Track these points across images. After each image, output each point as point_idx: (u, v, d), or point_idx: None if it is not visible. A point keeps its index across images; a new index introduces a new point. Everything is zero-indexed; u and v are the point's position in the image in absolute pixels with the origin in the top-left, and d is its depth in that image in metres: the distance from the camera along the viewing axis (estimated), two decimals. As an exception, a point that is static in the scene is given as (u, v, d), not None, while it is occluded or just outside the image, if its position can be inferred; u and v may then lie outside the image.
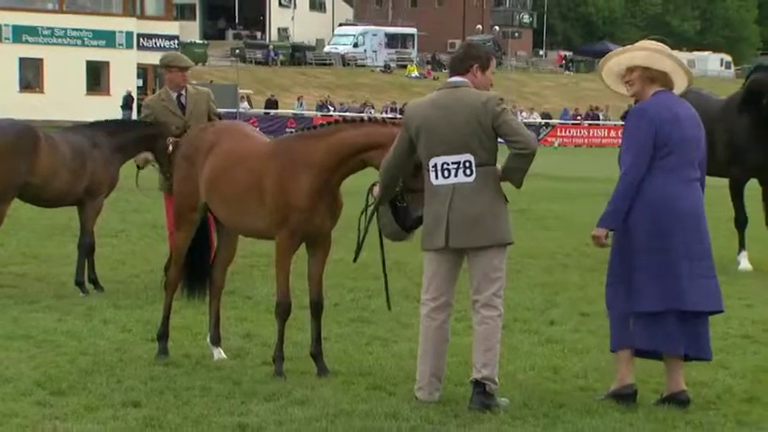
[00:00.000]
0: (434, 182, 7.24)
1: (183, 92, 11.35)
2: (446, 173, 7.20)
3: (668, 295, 7.23)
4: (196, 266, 8.92)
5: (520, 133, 7.20)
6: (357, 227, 7.84)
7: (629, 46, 7.63)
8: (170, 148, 11.32)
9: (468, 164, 7.17)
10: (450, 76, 7.44)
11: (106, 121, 12.14)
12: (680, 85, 7.43)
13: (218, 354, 8.58)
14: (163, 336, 8.71)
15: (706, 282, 7.34)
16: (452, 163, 7.19)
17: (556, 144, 62.71)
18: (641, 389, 7.63)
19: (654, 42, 7.58)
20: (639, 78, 7.35)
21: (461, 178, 7.18)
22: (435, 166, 7.23)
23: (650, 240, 7.23)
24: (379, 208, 7.68)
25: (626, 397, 7.34)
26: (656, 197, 7.22)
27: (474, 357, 7.27)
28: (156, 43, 61.15)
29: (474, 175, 7.17)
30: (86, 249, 11.71)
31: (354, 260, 8.07)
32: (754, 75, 14.12)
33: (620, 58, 7.50)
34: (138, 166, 11.78)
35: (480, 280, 7.27)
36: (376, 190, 7.69)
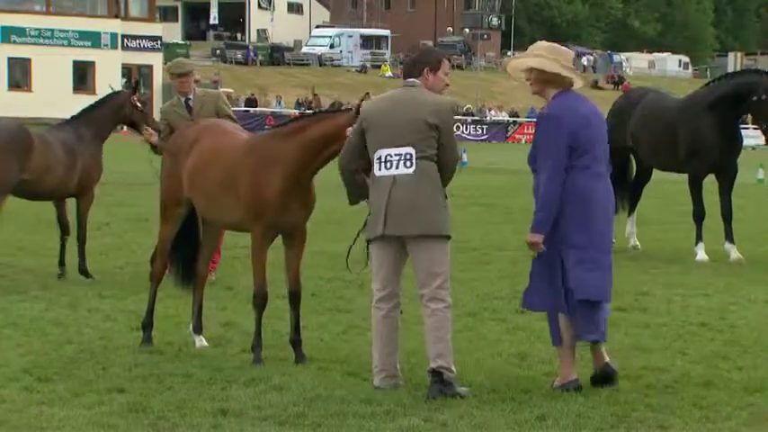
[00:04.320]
0: (377, 173, 7.41)
1: (191, 95, 11.59)
2: (388, 164, 7.37)
3: (593, 287, 7.50)
4: (186, 258, 9.08)
5: (452, 151, 7.42)
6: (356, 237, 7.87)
7: (528, 51, 7.90)
8: (138, 105, 12.08)
9: (408, 156, 7.35)
10: (405, 78, 7.62)
11: (79, 112, 12.38)
12: (578, 84, 7.70)
13: (200, 341, 8.76)
14: (147, 325, 8.87)
15: (610, 271, 7.64)
16: (395, 155, 7.36)
17: (523, 141, 63.11)
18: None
19: (548, 46, 7.79)
20: (536, 80, 7.65)
21: (402, 170, 7.35)
22: (380, 158, 7.40)
23: (575, 234, 7.49)
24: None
25: (574, 390, 7.51)
26: (575, 193, 7.46)
27: (427, 349, 7.42)
28: (139, 44, 61.66)
29: (414, 167, 7.34)
30: (82, 239, 12.03)
31: (348, 268, 7.99)
32: (747, 77, 14.28)
33: (517, 63, 7.86)
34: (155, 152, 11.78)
35: (424, 275, 7.42)
36: None
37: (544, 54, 7.65)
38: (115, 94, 12.52)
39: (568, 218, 7.48)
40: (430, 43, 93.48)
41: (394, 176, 7.37)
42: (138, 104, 12.28)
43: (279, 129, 8.43)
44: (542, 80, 7.63)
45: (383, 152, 7.40)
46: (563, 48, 7.85)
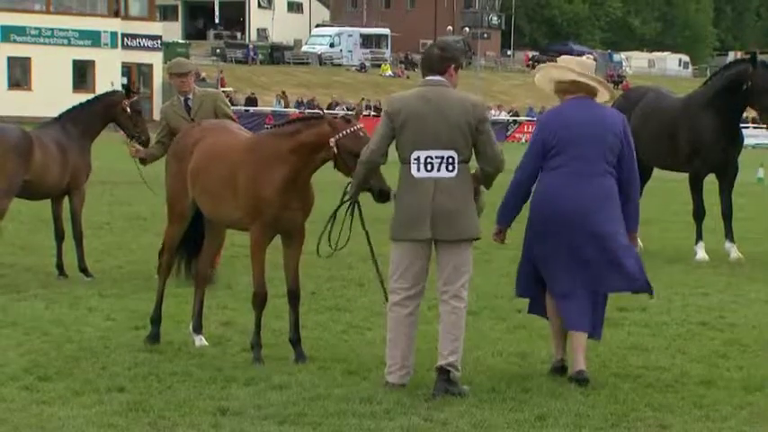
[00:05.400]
0: (416, 174, 7.36)
1: (191, 95, 11.57)
2: (429, 166, 7.33)
3: (548, 280, 7.83)
4: (191, 253, 9.18)
5: (493, 150, 7.46)
6: (330, 221, 7.87)
7: (550, 64, 8.26)
8: (127, 109, 12.03)
9: (451, 159, 7.33)
10: (426, 74, 7.53)
11: (67, 110, 12.43)
12: (602, 94, 8.01)
13: (200, 341, 8.76)
14: (155, 320, 8.88)
15: (612, 264, 7.77)
16: (436, 157, 7.32)
17: (523, 140, 63.14)
18: (601, 373, 7.93)
19: (569, 59, 8.15)
20: (557, 90, 7.98)
21: (443, 173, 7.33)
22: (418, 159, 7.34)
23: (537, 230, 7.82)
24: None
25: (555, 371, 7.88)
26: (544, 192, 7.77)
27: (441, 345, 7.43)
28: (139, 43, 61.80)
29: (456, 171, 7.35)
30: (79, 237, 12.08)
31: (318, 252, 7.91)
32: (736, 67, 14.32)
33: (540, 77, 8.15)
34: (140, 162, 11.99)
35: (450, 272, 7.45)
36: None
37: (559, 67, 7.99)
38: (109, 93, 12.57)
39: (533, 214, 7.85)
40: (430, 42, 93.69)
41: (435, 180, 7.35)
42: (128, 109, 12.23)
43: (278, 129, 8.43)
44: (561, 90, 7.95)
45: (422, 153, 7.36)
46: (586, 60, 8.19)
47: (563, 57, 8.20)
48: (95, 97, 12.66)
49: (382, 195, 7.61)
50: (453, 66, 7.54)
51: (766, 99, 13.75)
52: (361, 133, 7.83)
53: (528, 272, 7.99)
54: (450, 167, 7.34)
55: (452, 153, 7.33)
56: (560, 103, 7.96)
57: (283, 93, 65.74)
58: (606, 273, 7.72)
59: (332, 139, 7.80)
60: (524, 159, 7.87)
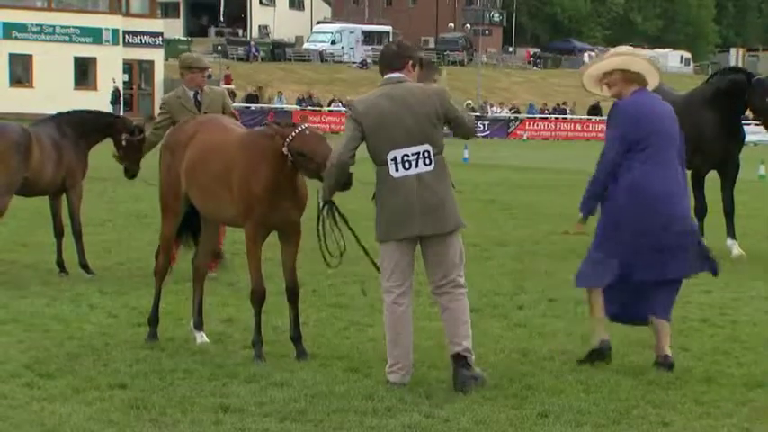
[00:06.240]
0: (395, 174, 7.39)
1: (200, 91, 11.55)
2: (407, 164, 7.37)
3: (640, 267, 7.92)
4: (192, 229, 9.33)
5: (466, 126, 7.63)
6: (321, 237, 7.87)
7: (607, 53, 8.33)
8: (123, 143, 12.04)
9: (427, 153, 7.38)
10: (385, 72, 7.61)
11: (67, 112, 12.47)
12: (652, 83, 8.12)
13: (201, 338, 8.77)
14: (153, 321, 8.89)
15: (680, 252, 8.00)
16: (412, 154, 7.37)
17: (524, 137, 63.17)
18: (602, 370, 7.92)
19: (628, 47, 8.30)
20: (620, 80, 8.03)
21: (422, 168, 7.38)
22: (395, 159, 7.38)
23: (628, 221, 7.88)
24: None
25: (598, 353, 8.06)
26: (637, 182, 7.86)
27: (452, 332, 7.47)
28: (141, 40, 61.89)
29: (433, 163, 7.40)
30: (78, 234, 12.10)
31: (329, 265, 8.04)
32: (731, 76, 14.36)
33: (601, 65, 8.17)
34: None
35: (448, 265, 7.51)
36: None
37: (627, 54, 8.09)
38: (116, 116, 12.62)
39: (623, 205, 7.90)
40: (432, 39, 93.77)
41: (416, 176, 7.39)
42: (124, 142, 12.14)
43: (267, 128, 8.31)
44: (626, 80, 8.01)
45: (398, 153, 7.40)
46: (641, 49, 8.36)
47: (620, 47, 8.33)
48: (103, 112, 12.77)
49: (343, 184, 7.66)
50: (411, 62, 7.61)
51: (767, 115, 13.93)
52: (307, 132, 7.89)
53: (600, 260, 8.01)
54: (428, 161, 7.39)
55: (427, 147, 7.39)
56: (619, 95, 8.03)
57: (259, 88, 65.59)
58: (675, 259, 7.93)
59: (284, 148, 7.87)
60: (609, 151, 7.94)
